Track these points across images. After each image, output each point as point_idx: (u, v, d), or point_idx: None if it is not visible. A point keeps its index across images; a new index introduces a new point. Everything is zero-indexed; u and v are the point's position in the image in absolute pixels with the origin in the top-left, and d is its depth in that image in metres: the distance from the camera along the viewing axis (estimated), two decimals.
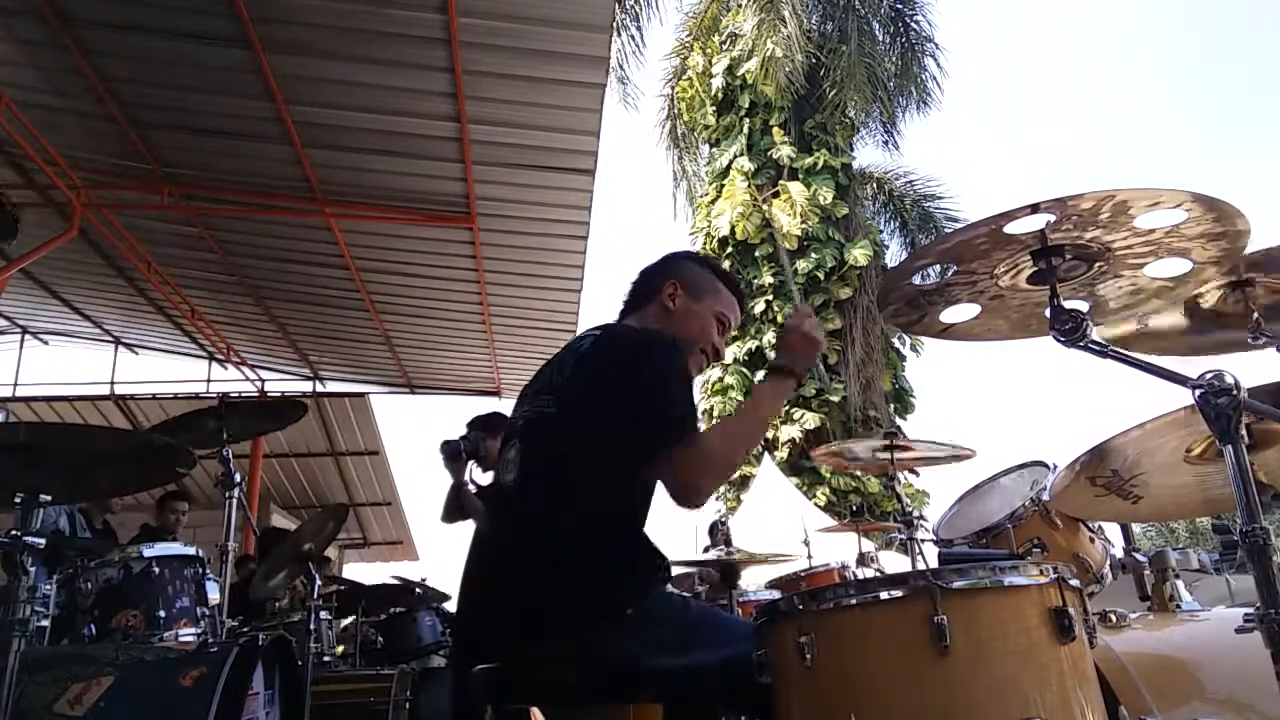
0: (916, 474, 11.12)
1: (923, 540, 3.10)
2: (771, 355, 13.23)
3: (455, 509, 3.50)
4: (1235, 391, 1.22)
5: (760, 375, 12.48)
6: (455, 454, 3.42)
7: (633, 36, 14.96)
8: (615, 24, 4.80)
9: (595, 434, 1.54)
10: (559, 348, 1.82)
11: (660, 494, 1.63)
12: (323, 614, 3.65)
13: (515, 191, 5.92)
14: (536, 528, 1.55)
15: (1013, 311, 1.51)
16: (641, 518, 1.62)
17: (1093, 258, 1.36)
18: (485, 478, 3.52)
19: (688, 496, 1.48)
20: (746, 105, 14.18)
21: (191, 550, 2.61)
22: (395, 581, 4.89)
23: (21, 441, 1.76)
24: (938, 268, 1.43)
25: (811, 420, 12.52)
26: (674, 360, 1.61)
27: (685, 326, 1.79)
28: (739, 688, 1.39)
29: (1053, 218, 1.26)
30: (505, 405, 9.75)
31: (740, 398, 13.23)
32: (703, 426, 1.57)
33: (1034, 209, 1.25)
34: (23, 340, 10.03)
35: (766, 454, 12.41)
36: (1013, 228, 1.29)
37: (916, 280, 1.45)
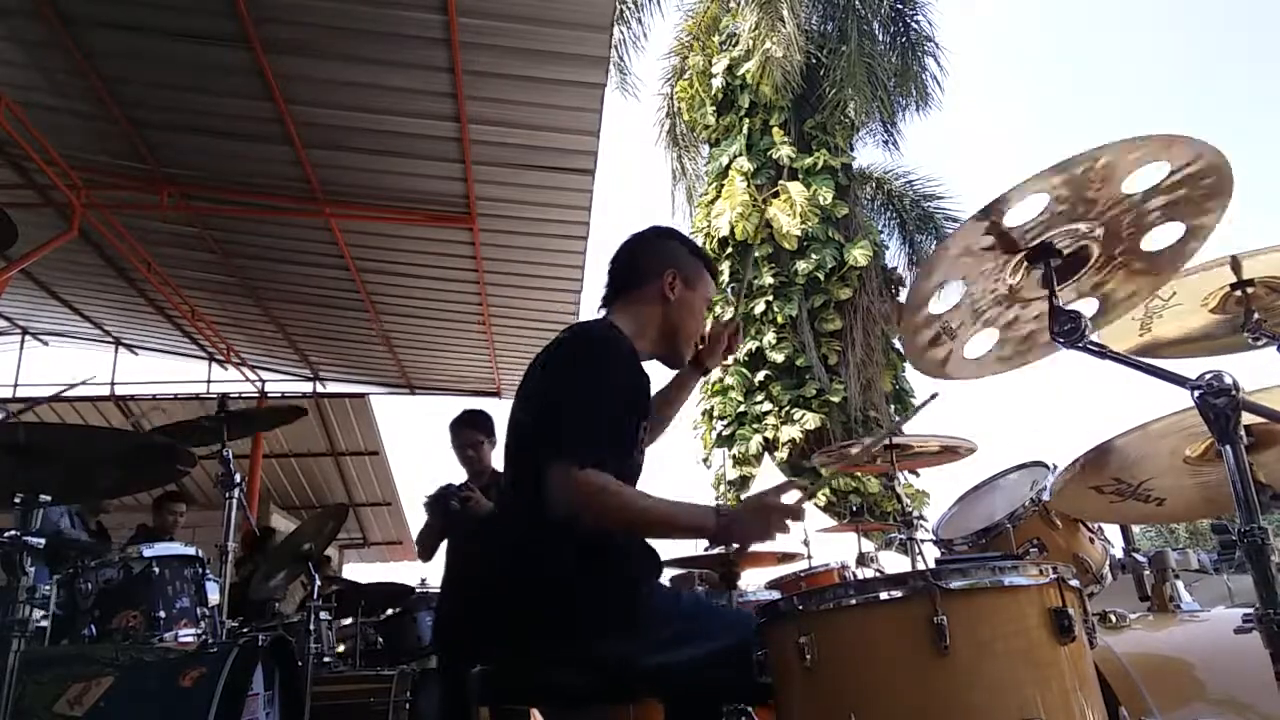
0: (917, 474, 11.12)
1: (923, 540, 3.10)
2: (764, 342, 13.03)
3: (436, 546, 3.63)
4: (1234, 392, 1.22)
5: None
6: (445, 511, 3.52)
7: (631, 28, 14.99)
8: (615, 22, 4.80)
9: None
10: None
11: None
12: (323, 614, 3.65)
13: (515, 191, 5.91)
14: (528, 530, 1.56)
15: (1030, 328, 1.50)
16: None
17: (1088, 247, 1.36)
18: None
19: (550, 509, 1.45)
20: (746, 105, 14.17)
21: (191, 550, 2.62)
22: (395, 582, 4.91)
23: (22, 442, 1.76)
24: (948, 294, 1.43)
25: (811, 420, 12.51)
26: (614, 370, 1.58)
27: (683, 318, 1.77)
28: (737, 679, 1.39)
29: (1046, 198, 1.26)
30: (505, 405, 9.77)
31: (740, 398, 13.23)
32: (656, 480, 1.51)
33: (993, 205, 1.25)
34: (23, 340, 10.03)
35: (767, 454, 12.42)
36: (1009, 220, 1.29)
37: (932, 306, 1.44)
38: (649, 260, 1.80)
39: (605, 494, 1.45)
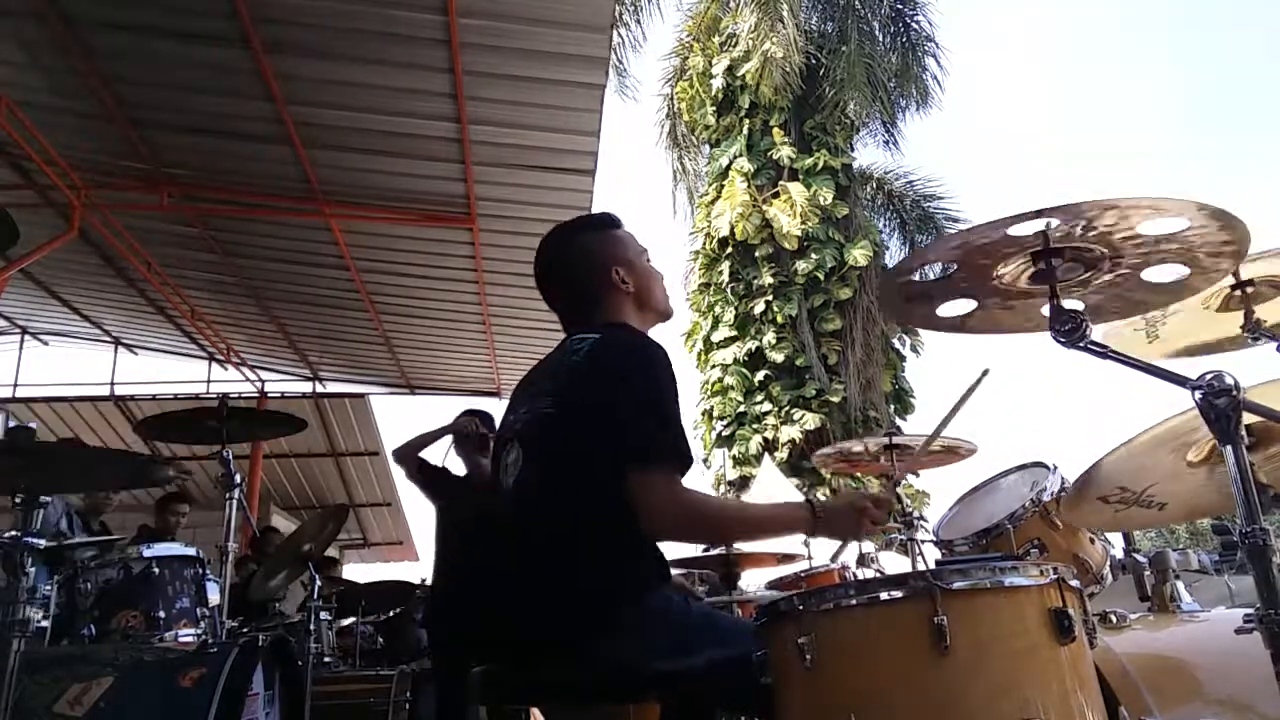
0: (917, 474, 11.12)
1: (923, 541, 3.10)
2: (772, 351, 13.00)
3: (415, 461, 3.57)
4: (1235, 392, 1.22)
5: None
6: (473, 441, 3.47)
7: (630, 30, 15.00)
8: (615, 23, 4.80)
9: (595, 436, 1.52)
10: None
11: None
12: (323, 614, 3.65)
13: (515, 192, 5.91)
14: (538, 529, 1.55)
15: (1012, 307, 1.50)
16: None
17: (1092, 261, 1.36)
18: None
19: (648, 523, 1.45)
20: (746, 106, 14.17)
21: (191, 551, 2.61)
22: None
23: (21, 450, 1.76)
24: (939, 266, 1.43)
25: (811, 421, 12.51)
26: (670, 379, 1.58)
27: (649, 295, 1.79)
28: (739, 688, 1.39)
29: (1056, 221, 1.26)
30: (505, 406, 9.78)
31: (740, 398, 13.23)
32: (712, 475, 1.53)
33: (1040, 214, 1.25)
34: (23, 340, 10.02)
35: (767, 454, 12.42)
36: (1015, 230, 1.29)
37: (917, 277, 1.45)
38: (593, 265, 1.80)
39: (705, 505, 1.51)
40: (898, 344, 14.33)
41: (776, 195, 13.65)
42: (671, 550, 1.68)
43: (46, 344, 10.30)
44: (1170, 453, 1.72)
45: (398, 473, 12.53)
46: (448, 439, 3.73)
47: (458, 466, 3.81)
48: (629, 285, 1.77)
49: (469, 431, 3.58)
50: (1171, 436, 1.64)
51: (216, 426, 3.03)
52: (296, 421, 3.38)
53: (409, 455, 3.67)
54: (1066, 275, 1.38)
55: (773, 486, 10.10)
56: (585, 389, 1.59)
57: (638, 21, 15.13)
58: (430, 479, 3.67)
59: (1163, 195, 1.20)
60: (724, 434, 13.38)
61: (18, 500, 1.79)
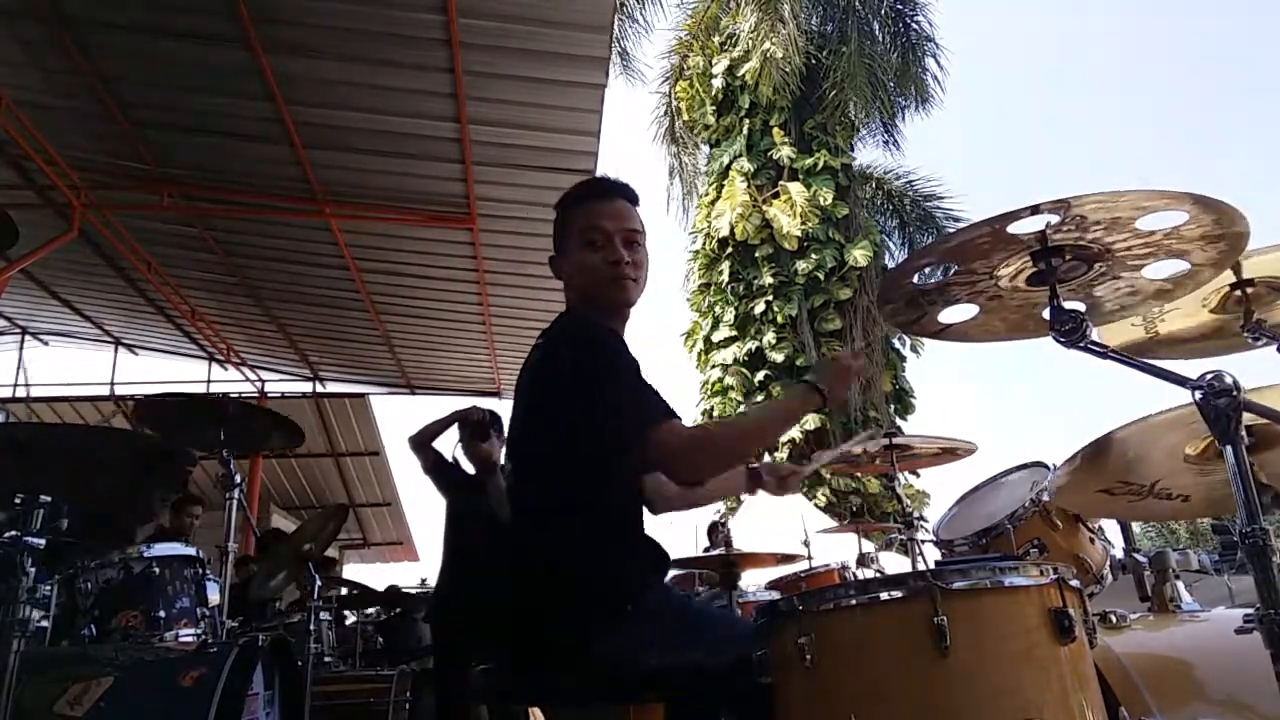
0: (917, 475, 11.13)
1: (923, 541, 3.10)
2: (774, 356, 13.04)
3: (432, 448, 3.53)
4: (1235, 392, 1.22)
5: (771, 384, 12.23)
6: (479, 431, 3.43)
7: (637, 22, 15.03)
8: (614, 21, 4.80)
9: (575, 437, 1.51)
10: None
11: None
12: (323, 614, 3.65)
13: (515, 192, 5.92)
14: (532, 528, 1.55)
15: (1011, 312, 1.51)
16: (635, 512, 1.62)
17: (1092, 259, 1.36)
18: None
19: (674, 467, 1.45)
20: (746, 106, 14.18)
21: (191, 551, 2.61)
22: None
23: (21, 442, 1.76)
24: (940, 269, 1.43)
25: (811, 421, 12.50)
26: (620, 356, 1.55)
27: (588, 289, 1.67)
28: (739, 686, 1.39)
29: (1055, 218, 1.26)
30: (505, 405, 9.76)
31: (740, 399, 13.23)
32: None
33: (1034, 210, 1.25)
34: (23, 340, 10.02)
35: (767, 455, 12.43)
36: (1014, 228, 1.29)
37: (916, 279, 1.45)
38: (551, 265, 1.78)
39: (714, 428, 1.49)
40: (898, 344, 14.33)
41: (776, 195, 13.65)
42: (672, 550, 1.67)
43: (47, 344, 10.30)
44: (1171, 444, 1.71)
45: (398, 472, 12.49)
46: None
47: (466, 464, 3.79)
48: (568, 277, 1.72)
49: (475, 418, 3.56)
50: (1185, 422, 1.63)
51: (215, 426, 3.02)
52: (295, 429, 3.32)
53: (424, 444, 3.64)
54: (1066, 275, 1.37)
55: None
56: (547, 392, 1.58)
57: (641, 15, 15.17)
58: (442, 473, 3.66)
59: (1160, 188, 1.20)
60: None
61: (18, 500, 1.78)
